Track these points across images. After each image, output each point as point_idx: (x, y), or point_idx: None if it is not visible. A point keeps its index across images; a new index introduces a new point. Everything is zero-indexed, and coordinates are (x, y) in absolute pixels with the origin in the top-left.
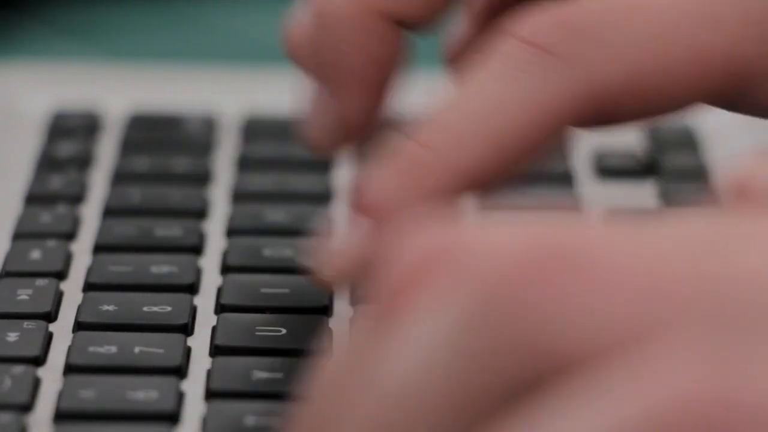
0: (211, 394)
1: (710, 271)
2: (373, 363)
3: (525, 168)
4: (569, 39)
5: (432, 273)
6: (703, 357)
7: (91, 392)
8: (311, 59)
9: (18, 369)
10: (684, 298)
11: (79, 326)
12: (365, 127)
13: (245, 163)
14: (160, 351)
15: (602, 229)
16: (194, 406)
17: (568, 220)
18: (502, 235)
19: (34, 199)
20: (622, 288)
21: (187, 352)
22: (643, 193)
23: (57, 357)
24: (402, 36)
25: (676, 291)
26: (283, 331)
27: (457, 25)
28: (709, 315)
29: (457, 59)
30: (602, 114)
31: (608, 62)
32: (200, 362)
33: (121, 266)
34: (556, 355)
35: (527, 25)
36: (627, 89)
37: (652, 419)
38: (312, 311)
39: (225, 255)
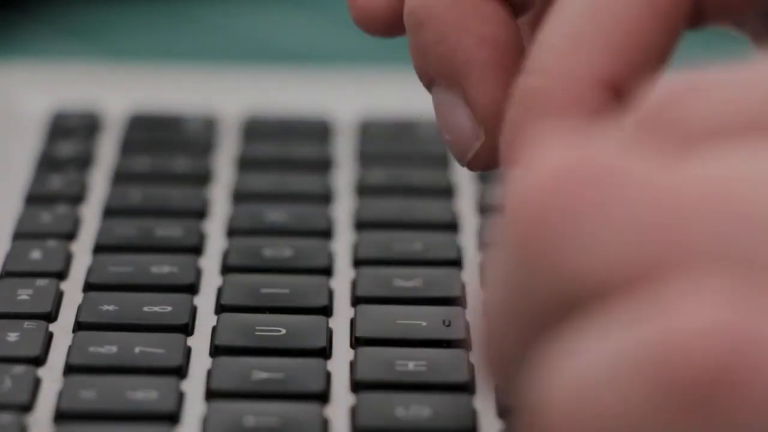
0: (211, 394)
1: (740, 212)
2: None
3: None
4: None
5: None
6: (725, 293)
7: (91, 392)
8: (420, 67)
9: (18, 369)
10: (709, 234)
11: (79, 326)
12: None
13: (245, 163)
14: (161, 351)
15: (640, 154)
16: (194, 406)
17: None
18: (544, 155)
19: (34, 199)
20: (648, 220)
21: (188, 352)
22: None
23: (57, 357)
24: (512, 14)
25: (702, 227)
26: (283, 331)
27: None
28: (735, 253)
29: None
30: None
31: None
32: (200, 362)
33: (122, 266)
34: (581, 282)
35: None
36: None
37: (672, 346)
38: (312, 311)
39: (225, 255)
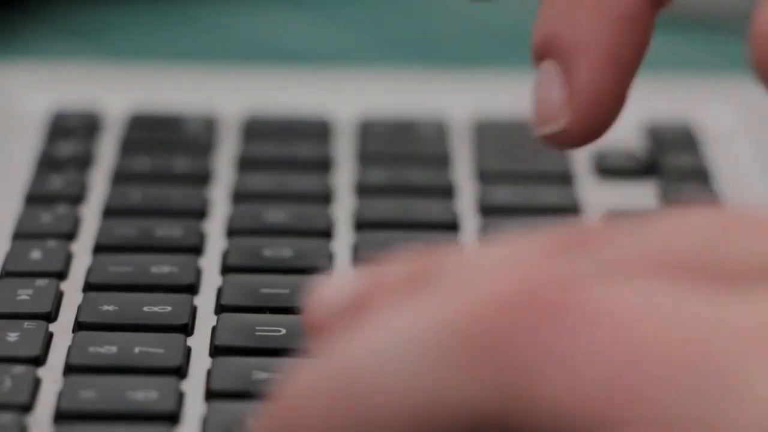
0: (211, 394)
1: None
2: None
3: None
4: None
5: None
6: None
7: (91, 392)
8: (539, 36)
9: (18, 369)
10: (657, 389)
11: (79, 326)
12: (597, 105)
13: (245, 163)
14: (160, 351)
15: (607, 285)
16: (194, 407)
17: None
18: (502, 272)
19: (34, 199)
20: (603, 363)
21: (187, 352)
22: (643, 193)
23: (57, 357)
24: (653, 16)
25: (651, 380)
26: (283, 331)
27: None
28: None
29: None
30: None
31: None
32: (200, 362)
33: (122, 266)
34: (525, 406)
35: None
36: None
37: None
38: None
39: (225, 255)
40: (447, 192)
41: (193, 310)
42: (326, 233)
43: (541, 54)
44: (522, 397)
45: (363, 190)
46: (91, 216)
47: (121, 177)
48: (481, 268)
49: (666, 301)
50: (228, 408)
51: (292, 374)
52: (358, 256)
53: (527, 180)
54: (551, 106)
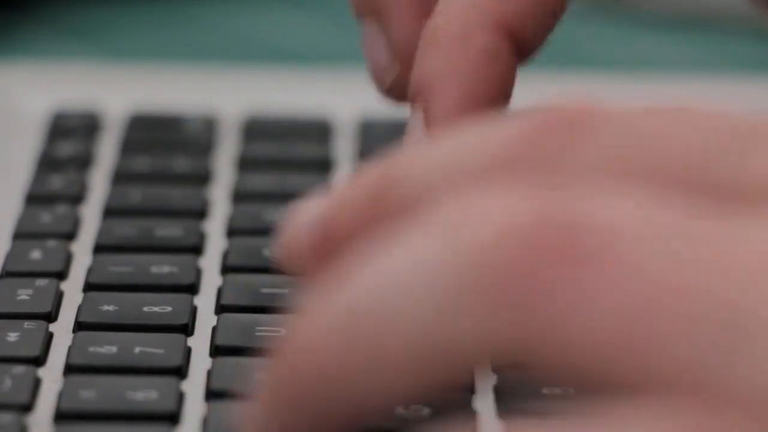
0: (211, 395)
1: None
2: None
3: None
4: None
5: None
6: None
7: (91, 392)
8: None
9: (18, 369)
10: (666, 346)
11: (79, 326)
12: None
13: (245, 163)
14: (161, 351)
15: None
16: (194, 407)
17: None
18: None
19: (34, 199)
20: (618, 311)
21: (188, 352)
22: None
23: (57, 357)
24: (516, 66)
25: (662, 335)
26: (283, 332)
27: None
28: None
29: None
30: None
31: None
32: (200, 362)
33: (122, 266)
34: (535, 348)
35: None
36: None
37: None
38: None
39: (225, 255)
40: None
41: (194, 310)
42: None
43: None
44: (540, 332)
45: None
46: (91, 216)
47: (121, 177)
48: (461, 180)
49: (672, 220)
50: (228, 408)
51: (301, 315)
52: None
53: None
54: (380, 62)
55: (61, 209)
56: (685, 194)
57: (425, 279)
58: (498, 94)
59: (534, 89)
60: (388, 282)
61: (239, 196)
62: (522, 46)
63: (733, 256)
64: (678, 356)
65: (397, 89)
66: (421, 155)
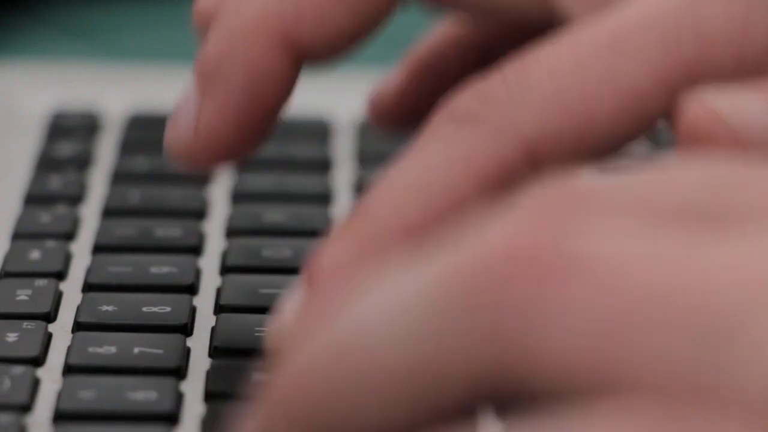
0: (210, 395)
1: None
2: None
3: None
4: (485, 105)
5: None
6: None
7: (90, 393)
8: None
9: (17, 369)
10: (654, 352)
11: (78, 326)
12: (219, 143)
13: (244, 164)
14: (160, 351)
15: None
16: (193, 407)
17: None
18: (506, 224)
19: (34, 199)
20: (598, 321)
21: (187, 352)
22: None
23: (56, 357)
24: (297, 71)
25: (649, 344)
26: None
27: (389, 78)
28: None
29: (381, 112)
30: (544, 160)
31: (531, 116)
32: (199, 363)
33: (121, 267)
34: (520, 369)
35: (451, 101)
36: (553, 136)
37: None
38: None
39: (224, 255)
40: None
41: (193, 311)
42: (326, 233)
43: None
44: (519, 354)
45: (363, 190)
46: (90, 216)
47: (120, 177)
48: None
49: (663, 248)
50: (227, 408)
51: (289, 350)
52: None
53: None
54: (182, 122)
55: (61, 209)
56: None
57: (403, 311)
58: (270, 107)
59: None
60: (370, 315)
61: (239, 196)
62: (311, 55)
63: (711, 263)
64: (660, 362)
65: (179, 155)
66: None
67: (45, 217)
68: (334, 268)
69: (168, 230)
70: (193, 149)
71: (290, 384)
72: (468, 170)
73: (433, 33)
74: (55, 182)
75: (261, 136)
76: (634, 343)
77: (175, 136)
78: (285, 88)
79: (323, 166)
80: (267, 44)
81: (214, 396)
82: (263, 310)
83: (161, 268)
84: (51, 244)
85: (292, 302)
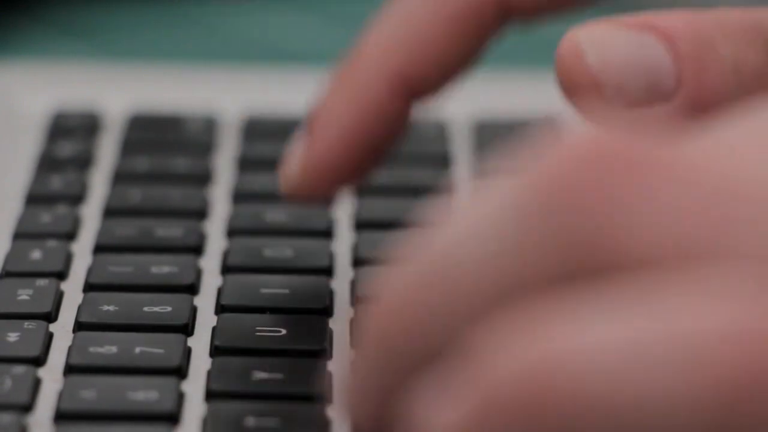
0: (211, 395)
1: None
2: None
3: (457, 76)
4: None
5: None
6: (752, 293)
7: (91, 392)
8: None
9: (18, 369)
10: (745, 224)
11: (79, 326)
12: (327, 181)
13: (245, 163)
14: (161, 351)
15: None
16: (194, 407)
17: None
18: (581, 133)
19: (35, 199)
20: (686, 202)
21: (188, 352)
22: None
23: (57, 357)
24: (408, 108)
25: (739, 216)
26: (283, 331)
27: None
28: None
29: None
30: (510, 11)
31: None
32: (200, 362)
33: (122, 266)
34: (609, 254)
35: None
36: None
37: (693, 343)
38: (312, 311)
39: (225, 255)
40: (447, 191)
41: (194, 311)
42: (326, 233)
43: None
44: (606, 250)
45: (363, 190)
46: (91, 216)
47: (121, 177)
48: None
49: (746, 144)
50: (228, 408)
51: (388, 278)
52: (358, 256)
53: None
54: (292, 166)
55: (61, 209)
56: None
57: (493, 220)
58: (379, 144)
59: (534, 89)
60: (462, 233)
61: (239, 196)
62: (417, 91)
63: None
64: (756, 233)
65: (289, 192)
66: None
67: (46, 217)
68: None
69: (169, 230)
70: (300, 187)
71: (392, 297)
72: (443, 14)
73: None
74: (56, 182)
75: (372, 169)
76: (718, 229)
77: (287, 175)
78: (397, 125)
79: None
80: (380, 84)
81: (215, 396)
82: (264, 309)
83: (162, 267)
84: (52, 243)
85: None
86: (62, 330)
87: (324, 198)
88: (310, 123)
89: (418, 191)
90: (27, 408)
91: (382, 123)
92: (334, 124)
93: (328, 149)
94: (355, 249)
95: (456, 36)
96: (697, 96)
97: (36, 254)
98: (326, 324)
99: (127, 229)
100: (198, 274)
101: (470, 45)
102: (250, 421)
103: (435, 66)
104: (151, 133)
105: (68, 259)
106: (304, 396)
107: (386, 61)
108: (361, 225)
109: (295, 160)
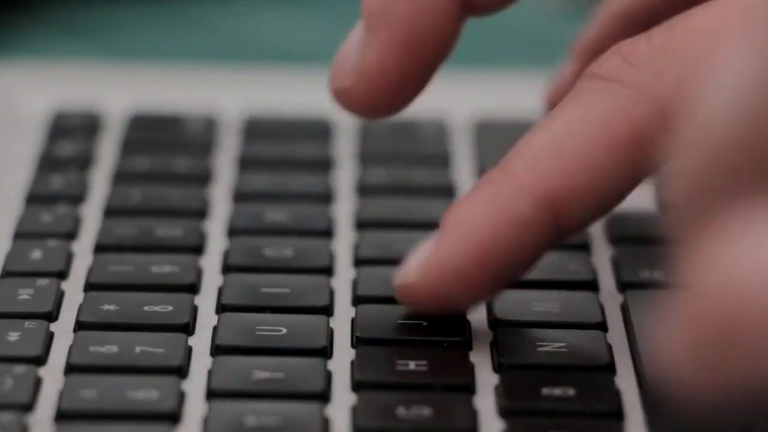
0: (211, 394)
1: None
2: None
3: (613, 203)
4: (628, 67)
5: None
6: None
7: (92, 392)
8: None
9: (19, 369)
10: None
11: (80, 326)
12: (382, 88)
13: (246, 163)
14: (161, 351)
15: None
16: (195, 406)
17: None
18: None
19: (35, 199)
20: None
21: (188, 351)
22: (643, 192)
23: (58, 357)
24: (460, 23)
25: None
26: (284, 330)
27: (560, 71)
28: None
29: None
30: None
31: (671, 82)
32: (201, 362)
33: (122, 266)
34: None
35: (597, 60)
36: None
37: None
38: (313, 311)
39: (226, 255)
40: (447, 192)
41: (194, 310)
42: (327, 233)
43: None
44: None
45: (363, 190)
46: (91, 216)
47: (121, 177)
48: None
49: None
50: (229, 408)
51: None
52: (358, 255)
53: None
54: (345, 63)
55: (62, 209)
56: None
57: None
58: (438, 52)
59: (534, 89)
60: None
61: (239, 196)
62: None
63: None
64: None
65: (344, 95)
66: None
67: (46, 217)
68: (468, 221)
69: (169, 230)
70: (357, 91)
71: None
72: (603, 132)
73: (596, 17)
74: (56, 182)
75: (419, 89)
76: None
77: (339, 78)
78: (448, 39)
79: (324, 165)
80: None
81: (215, 395)
82: (264, 309)
83: (162, 267)
84: (52, 243)
85: (420, 253)
86: (63, 329)
87: (383, 111)
88: (365, 18)
89: (418, 191)
90: (27, 407)
91: (442, 29)
92: (388, 26)
93: (385, 54)
94: (355, 249)
95: (617, 169)
96: None
97: (36, 254)
98: (327, 323)
99: (127, 229)
100: (198, 273)
101: (626, 185)
102: (251, 421)
103: (590, 197)
104: (151, 133)
105: (69, 258)
106: (305, 395)
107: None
108: (361, 225)
109: (350, 60)
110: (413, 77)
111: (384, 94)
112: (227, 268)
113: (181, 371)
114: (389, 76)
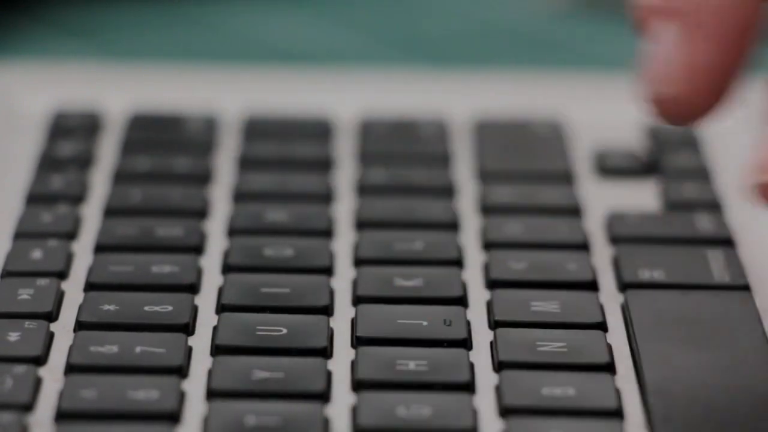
0: (211, 394)
1: None
2: None
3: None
4: None
5: None
6: None
7: (92, 392)
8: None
9: (19, 369)
10: None
11: (80, 326)
12: (711, 86)
13: (246, 163)
14: (161, 351)
15: None
16: (195, 406)
17: None
18: None
19: (35, 198)
20: None
21: (188, 351)
22: (644, 192)
23: (58, 357)
24: (764, 6)
25: None
26: (284, 330)
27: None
28: None
29: None
30: None
31: None
32: (201, 362)
33: (122, 266)
34: None
35: None
36: None
37: None
38: (313, 311)
39: (226, 255)
40: (447, 191)
41: (194, 310)
42: (327, 233)
43: (657, 14)
44: None
45: (363, 189)
46: (91, 216)
47: (121, 177)
48: None
49: None
50: (229, 407)
51: None
52: (358, 255)
53: (527, 180)
54: (666, 70)
55: (62, 209)
56: None
57: None
58: (755, 34)
59: (534, 89)
60: None
61: (240, 196)
62: None
63: None
64: None
65: (670, 102)
66: None
67: (46, 217)
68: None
69: (169, 230)
70: (684, 96)
71: None
72: None
73: None
74: (57, 182)
75: (736, 86)
76: None
77: (662, 86)
78: (760, 25)
79: (325, 165)
80: None
81: (215, 395)
82: (265, 309)
83: (163, 267)
84: (52, 243)
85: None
86: (63, 329)
87: (707, 111)
88: (674, 16)
89: (418, 191)
90: (28, 407)
91: (745, 24)
92: (712, 19)
93: (713, 49)
94: (356, 248)
95: None
96: None
97: (36, 254)
98: (327, 323)
99: (127, 229)
100: (198, 273)
101: None
102: (251, 421)
103: None
104: (151, 133)
105: (69, 258)
106: (305, 395)
107: None
108: (361, 225)
109: (674, 63)
110: (736, 73)
111: (712, 95)
112: (227, 268)
113: (181, 371)
114: (716, 74)
